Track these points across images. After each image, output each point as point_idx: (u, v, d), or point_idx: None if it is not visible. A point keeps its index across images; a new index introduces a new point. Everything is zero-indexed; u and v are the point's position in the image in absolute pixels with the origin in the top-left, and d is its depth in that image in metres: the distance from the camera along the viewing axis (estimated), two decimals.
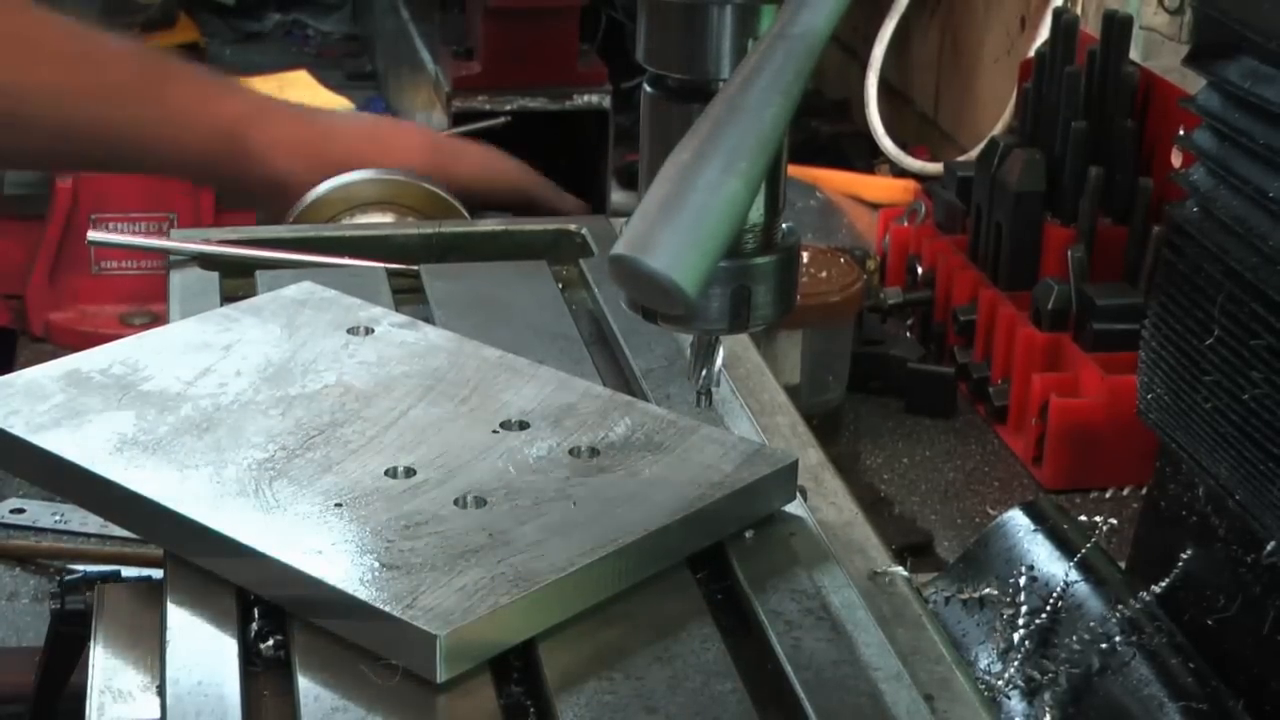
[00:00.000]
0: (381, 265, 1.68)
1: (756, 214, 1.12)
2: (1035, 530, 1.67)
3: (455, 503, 1.20)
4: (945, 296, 2.56)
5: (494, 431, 1.30)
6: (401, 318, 1.48)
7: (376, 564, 1.12)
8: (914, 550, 2.08)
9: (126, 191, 2.71)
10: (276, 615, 1.14)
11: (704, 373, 1.22)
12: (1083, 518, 1.69)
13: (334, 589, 1.10)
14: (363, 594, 1.09)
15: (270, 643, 1.13)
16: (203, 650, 1.10)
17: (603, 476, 1.24)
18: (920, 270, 2.65)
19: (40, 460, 1.27)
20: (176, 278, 1.68)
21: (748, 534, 1.24)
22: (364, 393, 1.35)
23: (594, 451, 1.27)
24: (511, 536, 1.15)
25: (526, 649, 1.11)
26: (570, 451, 1.27)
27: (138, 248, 2.32)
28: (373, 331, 1.45)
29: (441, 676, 1.06)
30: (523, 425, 1.30)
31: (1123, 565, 1.63)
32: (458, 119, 3.09)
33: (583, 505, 1.20)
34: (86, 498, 1.28)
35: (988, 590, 1.62)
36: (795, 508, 1.27)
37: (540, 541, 1.15)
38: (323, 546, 1.14)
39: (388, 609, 1.08)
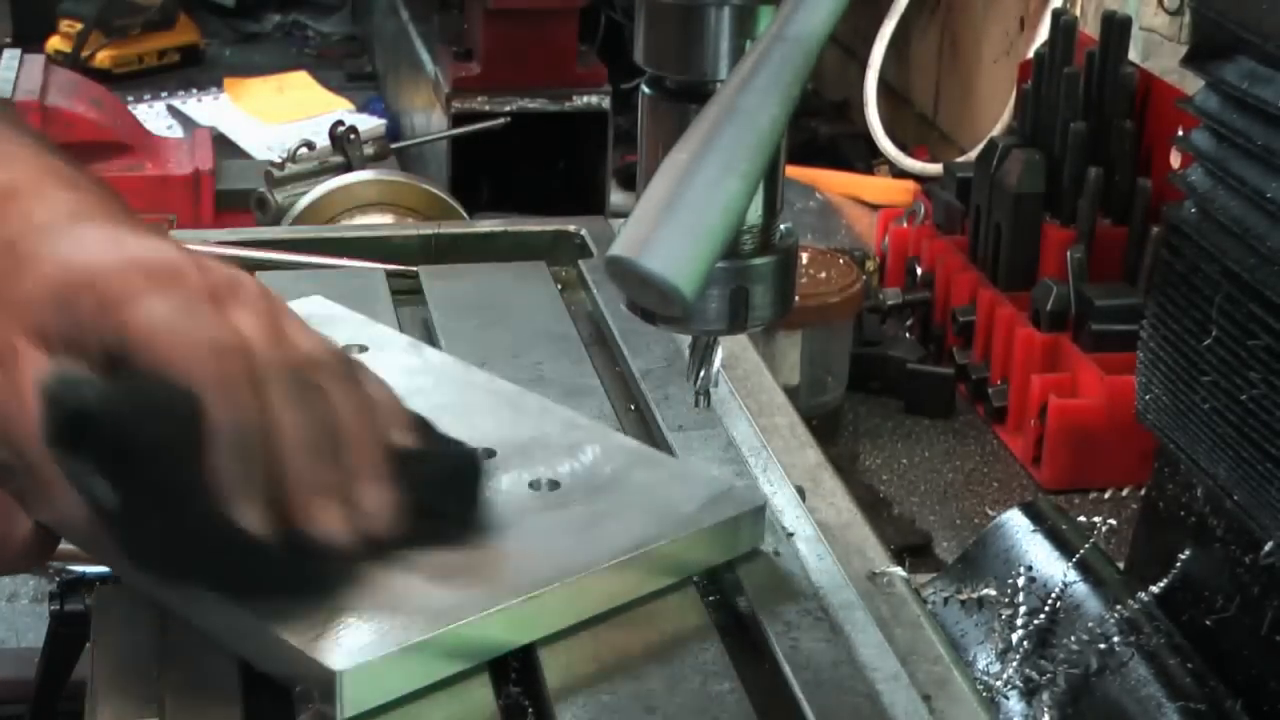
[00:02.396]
0: (380, 266, 1.68)
1: (754, 215, 1.12)
2: (1034, 531, 1.67)
3: None
4: (944, 297, 2.56)
5: None
6: (405, 339, 1.45)
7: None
8: (913, 551, 2.08)
9: (125, 193, 2.71)
10: None
11: (702, 373, 1.21)
12: (1081, 518, 1.69)
13: (244, 615, 1.04)
14: (272, 623, 1.03)
15: None
16: (203, 651, 1.10)
17: (556, 513, 1.17)
18: (919, 271, 2.65)
19: None
20: None
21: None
22: None
23: (554, 484, 1.21)
24: (441, 573, 1.08)
25: (525, 649, 1.11)
26: (530, 484, 1.20)
27: None
28: (367, 350, 1.40)
29: (342, 716, 1.00)
30: (489, 454, 1.23)
31: (1121, 566, 1.64)
32: (457, 120, 3.10)
33: (523, 541, 1.13)
34: None
35: (986, 591, 1.62)
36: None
37: (467, 579, 1.08)
38: None
39: (293, 640, 1.02)
